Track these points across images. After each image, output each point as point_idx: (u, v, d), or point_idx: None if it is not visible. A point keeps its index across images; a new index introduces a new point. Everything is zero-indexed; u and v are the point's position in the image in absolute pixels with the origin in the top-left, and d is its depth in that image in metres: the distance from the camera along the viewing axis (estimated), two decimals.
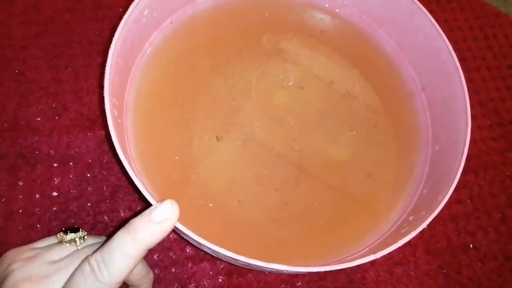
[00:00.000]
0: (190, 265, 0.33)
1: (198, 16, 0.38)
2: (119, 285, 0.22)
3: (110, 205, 0.35)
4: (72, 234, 0.27)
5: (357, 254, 0.30)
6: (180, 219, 0.24)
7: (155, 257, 0.33)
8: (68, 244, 0.26)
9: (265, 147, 0.35)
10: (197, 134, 0.34)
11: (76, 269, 0.22)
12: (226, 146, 0.34)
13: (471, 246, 0.37)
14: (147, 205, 0.24)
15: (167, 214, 0.22)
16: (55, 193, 0.35)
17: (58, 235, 0.27)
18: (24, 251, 0.26)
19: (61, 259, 0.25)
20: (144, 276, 0.28)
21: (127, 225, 0.22)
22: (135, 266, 0.22)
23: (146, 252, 0.22)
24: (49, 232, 0.33)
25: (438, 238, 0.37)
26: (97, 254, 0.22)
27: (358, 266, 0.25)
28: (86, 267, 0.22)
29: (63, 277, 0.23)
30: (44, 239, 0.28)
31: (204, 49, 0.38)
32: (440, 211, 0.27)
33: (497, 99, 0.45)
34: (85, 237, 0.27)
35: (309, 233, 0.33)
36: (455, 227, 0.38)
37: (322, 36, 0.40)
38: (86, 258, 0.22)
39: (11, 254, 0.25)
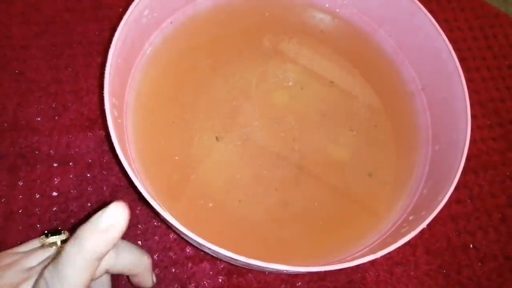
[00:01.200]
0: (190, 265, 0.33)
1: (198, 16, 0.38)
2: None
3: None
4: (54, 237, 0.25)
5: (357, 254, 0.30)
6: (180, 219, 0.24)
7: (155, 257, 0.33)
8: (49, 248, 0.25)
9: (265, 147, 0.35)
10: (197, 134, 0.34)
11: (34, 283, 0.21)
12: (226, 146, 0.34)
13: (471, 246, 0.37)
14: (147, 205, 0.24)
15: (113, 220, 0.20)
16: (55, 193, 0.35)
17: (39, 239, 0.26)
18: (8, 256, 0.24)
19: (38, 265, 0.24)
20: (136, 265, 0.25)
21: (74, 234, 0.20)
22: (93, 275, 0.21)
23: (99, 261, 0.21)
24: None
25: (438, 238, 0.37)
26: (50, 267, 0.20)
27: (358, 266, 0.25)
28: (41, 281, 0.20)
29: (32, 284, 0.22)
30: (29, 242, 0.27)
31: (204, 49, 0.38)
32: (440, 211, 0.27)
33: (497, 99, 0.45)
34: (68, 239, 0.25)
35: (309, 233, 0.33)
36: (455, 227, 0.38)
37: (322, 36, 0.40)
38: (41, 270, 0.21)
39: None
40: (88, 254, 0.20)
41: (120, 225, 0.20)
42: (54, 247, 0.25)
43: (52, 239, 0.25)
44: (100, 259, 0.21)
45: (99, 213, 0.20)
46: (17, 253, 0.25)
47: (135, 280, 0.27)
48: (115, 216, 0.20)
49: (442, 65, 0.34)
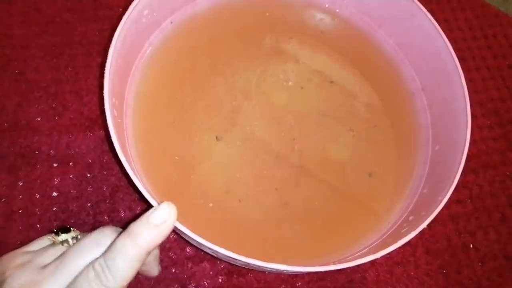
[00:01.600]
0: (190, 265, 0.33)
1: (198, 16, 0.38)
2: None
3: (110, 205, 0.35)
4: (64, 234, 0.26)
5: (357, 254, 0.30)
6: (180, 219, 0.24)
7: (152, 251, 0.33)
8: (61, 245, 0.26)
9: (265, 147, 0.35)
10: (197, 134, 0.34)
11: (79, 275, 0.22)
12: (226, 146, 0.34)
13: (471, 246, 0.37)
14: (147, 205, 0.24)
15: (165, 217, 0.22)
16: (55, 193, 0.35)
17: (49, 237, 0.27)
18: (18, 256, 0.25)
19: (52, 262, 0.24)
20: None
21: (127, 229, 0.22)
22: (138, 268, 0.22)
23: (148, 254, 0.22)
24: (49, 232, 0.33)
25: (438, 238, 0.37)
26: (101, 259, 0.22)
27: (358, 266, 0.26)
28: (91, 272, 0.22)
29: (58, 279, 0.23)
30: (37, 240, 0.27)
31: (204, 49, 0.38)
32: (440, 211, 0.27)
33: (497, 99, 0.45)
34: (78, 236, 0.27)
35: (309, 233, 0.33)
36: (455, 227, 0.38)
37: (322, 36, 0.40)
38: (90, 263, 0.22)
39: (4, 260, 0.25)
40: (141, 247, 0.22)
41: (171, 220, 0.23)
42: (66, 245, 0.26)
43: (63, 237, 0.26)
44: (149, 252, 0.22)
45: (152, 210, 0.22)
46: (27, 252, 0.26)
47: (142, 268, 0.28)
48: (167, 213, 0.22)
49: (442, 65, 0.34)
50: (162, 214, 0.22)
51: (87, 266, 0.22)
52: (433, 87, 0.36)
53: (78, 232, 0.27)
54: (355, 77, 0.39)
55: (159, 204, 0.23)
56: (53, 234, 0.26)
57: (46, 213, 0.34)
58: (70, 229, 0.26)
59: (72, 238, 0.26)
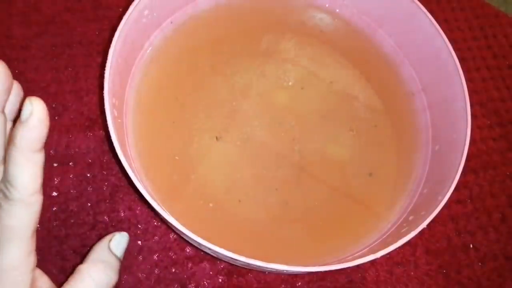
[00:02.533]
0: (190, 265, 0.33)
1: (198, 16, 0.38)
2: (35, 196, 0.23)
3: (110, 205, 0.35)
4: None
5: (357, 254, 0.30)
6: (180, 219, 0.24)
7: (155, 257, 0.33)
8: None
9: (265, 147, 0.35)
10: (197, 134, 0.34)
11: None
12: (226, 146, 0.34)
13: (471, 246, 0.37)
14: (147, 205, 0.24)
15: (29, 109, 0.22)
16: (55, 193, 0.35)
17: None
18: None
19: None
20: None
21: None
22: (35, 171, 0.22)
23: (34, 153, 0.22)
24: (49, 232, 0.33)
25: (438, 238, 0.37)
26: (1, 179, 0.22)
27: (358, 266, 0.26)
28: None
29: None
30: None
31: (205, 49, 0.38)
32: (440, 211, 0.27)
33: (497, 99, 0.45)
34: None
35: (309, 233, 0.33)
36: (455, 227, 0.38)
37: (322, 36, 0.40)
38: None
39: None
40: (23, 148, 0.22)
41: (37, 111, 0.22)
42: None
43: None
44: (36, 150, 0.22)
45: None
46: None
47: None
48: (29, 107, 0.22)
49: (442, 65, 0.34)
50: (26, 108, 0.22)
51: None
52: (433, 87, 0.36)
53: None
54: (355, 77, 0.39)
55: (157, 203, 0.23)
56: None
57: (46, 213, 0.34)
58: None
59: None
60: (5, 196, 0.22)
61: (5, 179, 0.22)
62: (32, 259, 0.24)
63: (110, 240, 0.29)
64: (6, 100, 0.24)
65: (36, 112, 0.22)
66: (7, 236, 0.22)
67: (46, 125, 0.22)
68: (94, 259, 0.28)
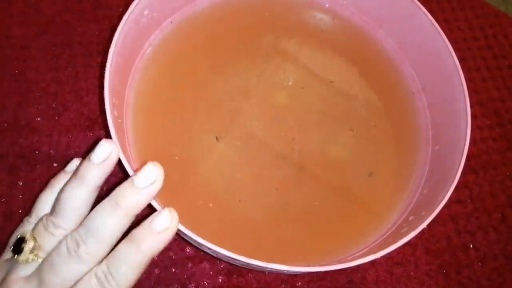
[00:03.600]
0: (190, 265, 0.33)
1: (198, 16, 0.38)
2: None
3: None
4: (22, 255, 0.23)
5: (357, 254, 0.30)
6: (180, 219, 0.24)
7: (155, 257, 0.33)
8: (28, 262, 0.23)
9: (265, 147, 0.35)
10: (197, 134, 0.34)
11: (79, 284, 0.22)
12: (226, 146, 0.34)
13: (471, 246, 0.37)
14: (147, 205, 0.24)
15: (167, 223, 0.22)
16: None
17: (5, 256, 0.25)
18: None
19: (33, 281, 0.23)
20: None
21: (129, 236, 0.22)
22: (140, 275, 0.22)
23: (151, 260, 0.22)
24: None
25: (438, 238, 0.37)
26: (103, 266, 0.22)
27: (358, 266, 0.25)
28: (93, 280, 0.21)
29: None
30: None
31: (204, 49, 0.38)
32: (440, 211, 0.27)
33: (497, 99, 0.45)
34: (36, 243, 0.23)
35: (309, 233, 0.33)
36: (455, 227, 0.38)
37: (322, 36, 0.40)
38: (92, 271, 0.22)
39: None
40: (144, 254, 0.22)
41: (173, 226, 0.22)
42: (32, 260, 0.23)
43: (22, 257, 0.23)
44: (151, 258, 0.22)
45: (153, 216, 0.22)
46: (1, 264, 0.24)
47: None
48: (169, 219, 0.22)
49: (442, 65, 0.34)
50: (164, 220, 0.22)
51: (89, 274, 0.22)
52: (433, 87, 0.36)
53: (34, 240, 0.24)
54: (355, 77, 0.39)
55: (162, 208, 0.23)
56: (10, 254, 0.24)
57: None
58: (24, 239, 0.24)
59: (31, 252, 0.23)
60: (102, 285, 0.21)
61: (110, 273, 0.21)
62: None
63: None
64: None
65: (173, 227, 0.22)
66: None
67: (171, 239, 0.23)
68: None
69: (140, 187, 0.22)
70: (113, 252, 0.22)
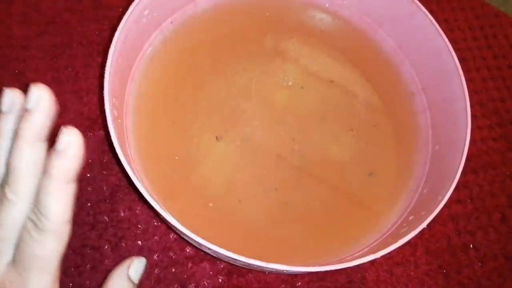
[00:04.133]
0: (190, 265, 0.33)
1: (199, 16, 0.38)
2: (66, 227, 0.22)
3: (110, 205, 0.35)
4: None
5: (357, 254, 0.30)
6: (180, 219, 0.24)
7: (155, 257, 0.33)
8: None
9: (265, 147, 0.35)
10: (197, 134, 0.34)
11: (21, 232, 0.22)
12: (226, 146, 0.34)
13: (471, 246, 0.37)
14: (147, 205, 0.24)
15: (65, 139, 0.22)
16: None
17: None
18: None
19: None
20: None
21: (44, 170, 0.22)
22: (68, 203, 0.22)
23: (70, 184, 0.22)
24: None
25: (438, 238, 0.37)
26: (32, 207, 0.22)
27: (358, 266, 0.25)
28: (28, 223, 0.22)
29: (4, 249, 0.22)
30: None
31: (204, 49, 0.38)
32: (440, 211, 0.27)
33: (497, 99, 0.45)
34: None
35: (309, 233, 0.33)
36: (455, 227, 0.38)
37: (322, 36, 0.40)
38: (26, 216, 0.22)
39: None
40: (58, 178, 0.21)
41: (75, 140, 0.22)
42: None
43: None
44: (70, 180, 0.22)
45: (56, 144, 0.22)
46: None
47: None
48: (66, 135, 0.22)
49: (442, 65, 0.34)
50: (63, 139, 0.22)
51: (26, 220, 0.22)
52: (433, 87, 0.36)
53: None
54: (355, 77, 0.39)
55: (157, 203, 0.23)
56: None
57: None
58: None
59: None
60: (36, 226, 0.21)
61: (37, 209, 0.22)
62: (57, 286, 0.23)
63: (129, 267, 0.28)
64: (49, 128, 0.24)
65: (74, 143, 0.22)
66: (35, 265, 0.22)
67: (81, 156, 0.22)
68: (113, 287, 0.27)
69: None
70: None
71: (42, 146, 0.22)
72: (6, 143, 0.23)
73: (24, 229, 0.22)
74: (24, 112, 0.22)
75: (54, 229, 0.22)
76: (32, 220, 0.22)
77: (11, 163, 0.22)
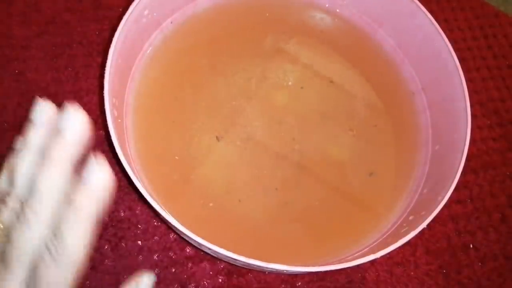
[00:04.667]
0: (190, 265, 0.33)
1: (198, 16, 0.38)
2: (82, 254, 0.22)
3: (110, 205, 0.35)
4: None
5: (357, 254, 0.30)
6: (180, 219, 0.24)
7: (155, 257, 0.33)
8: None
9: (265, 147, 0.35)
10: (197, 134, 0.34)
11: (37, 261, 0.22)
12: (226, 146, 0.34)
13: (471, 246, 0.37)
14: (147, 205, 0.24)
15: (98, 175, 0.22)
16: None
17: None
18: None
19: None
20: None
21: (71, 200, 0.22)
22: (87, 238, 0.22)
23: (93, 221, 0.22)
24: None
25: (438, 238, 0.37)
26: (49, 232, 0.21)
27: (358, 266, 0.25)
28: (42, 247, 0.21)
29: (16, 276, 0.22)
30: None
31: (204, 49, 0.38)
32: (440, 211, 0.27)
33: (497, 99, 0.45)
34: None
35: (309, 233, 0.33)
36: (455, 227, 0.38)
37: (322, 36, 0.40)
38: (42, 244, 0.22)
39: None
40: (82, 212, 0.21)
41: (106, 178, 0.22)
42: None
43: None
44: (94, 219, 0.22)
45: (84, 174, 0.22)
46: None
47: None
48: (99, 171, 0.22)
49: (442, 65, 0.34)
50: (94, 174, 0.22)
51: (39, 243, 0.22)
52: (433, 87, 0.36)
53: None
54: (355, 77, 0.39)
55: (157, 203, 0.23)
56: None
57: None
58: None
59: None
60: (51, 254, 0.21)
61: (55, 237, 0.21)
62: None
63: (137, 284, 0.27)
64: (80, 153, 0.23)
65: (104, 180, 0.22)
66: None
67: (109, 194, 0.22)
68: None
69: (65, 137, 0.22)
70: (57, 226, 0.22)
71: (70, 170, 0.22)
72: (32, 157, 0.23)
73: (40, 256, 0.22)
74: (56, 130, 0.22)
75: (71, 260, 0.21)
76: (49, 249, 0.21)
77: (36, 183, 0.22)
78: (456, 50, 0.33)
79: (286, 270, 0.24)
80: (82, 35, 0.41)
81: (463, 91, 0.32)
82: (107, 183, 0.22)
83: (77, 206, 0.21)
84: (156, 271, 0.33)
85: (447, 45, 0.33)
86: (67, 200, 0.22)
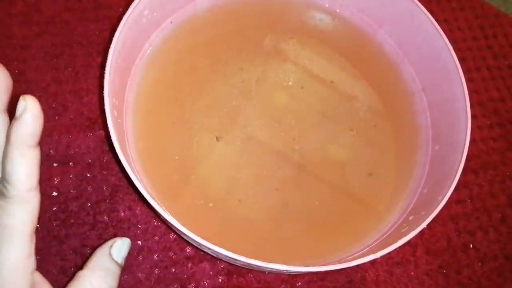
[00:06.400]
0: (190, 265, 0.33)
1: (198, 16, 0.38)
2: (32, 193, 0.22)
3: (110, 205, 0.35)
4: None
5: (357, 254, 0.30)
6: (180, 219, 0.24)
7: (155, 257, 0.33)
8: None
9: (265, 147, 0.35)
10: (197, 134, 0.34)
11: None
12: (226, 146, 0.34)
13: (471, 246, 0.37)
14: (147, 205, 0.24)
15: (22, 104, 0.22)
16: (55, 193, 0.35)
17: None
18: None
19: None
20: None
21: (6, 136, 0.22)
22: (31, 166, 0.22)
23: (29, 148, 0.22)
24: (49, 232, 0.33)
25: (438, 238, 0.37)
26: None
27: (358, 266, 0.26)
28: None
29: None
30: None
31: (204, 49, 0.38)
32: (440, 211, 0.27)
33: (497, 99, 0.45)
34: None
35: (309, 233, 0.33)
36: (455, 227, 0.38)
37: (322, 36, 0.40)
38: None
39: None
40: (15, 143, 0.22)
41: (31, 106, 0.22)
42: None
43: None
44: (31, 146, 0.22)
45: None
46: None
47: None
48: (23, 101, 0.22)
49: (442, 65, 0.34)
50: (20, 105, 0.22)
51: None
52: (433, 87, 0.36)
53: None
54: (355, 77, 0.39)
55: (157, 203, 0.23)
56: None
57: (46, 213, 0.34)
58: None
59: None
60: (3, 194, 0.22)
61: (3, 177, 0.22)
62: (31, 261, 0.23)
63: (111, 246, 0.28)
64: (7, 100, 0.24)
65: (30, 107, 0.22)
66: (5, 235, 0.22)
67: (39, 120, 0.22)
68: (95, 265, 0.27)
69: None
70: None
71: (6, 118, 0.23)
72: None
73: None
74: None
75: (20, 196, 0.22)
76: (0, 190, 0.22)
77: None
78: (456, 50, 0.33)
79: (286, 270, 0.24)
80: (82, 35, 0.41)
81: (463, 91, 0.32)
82: (33, 110, 0.22)
83: (12, 140, 0.22)
84: (156, 271, 0.33)
85: (447, 45, 0.33)
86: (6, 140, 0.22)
